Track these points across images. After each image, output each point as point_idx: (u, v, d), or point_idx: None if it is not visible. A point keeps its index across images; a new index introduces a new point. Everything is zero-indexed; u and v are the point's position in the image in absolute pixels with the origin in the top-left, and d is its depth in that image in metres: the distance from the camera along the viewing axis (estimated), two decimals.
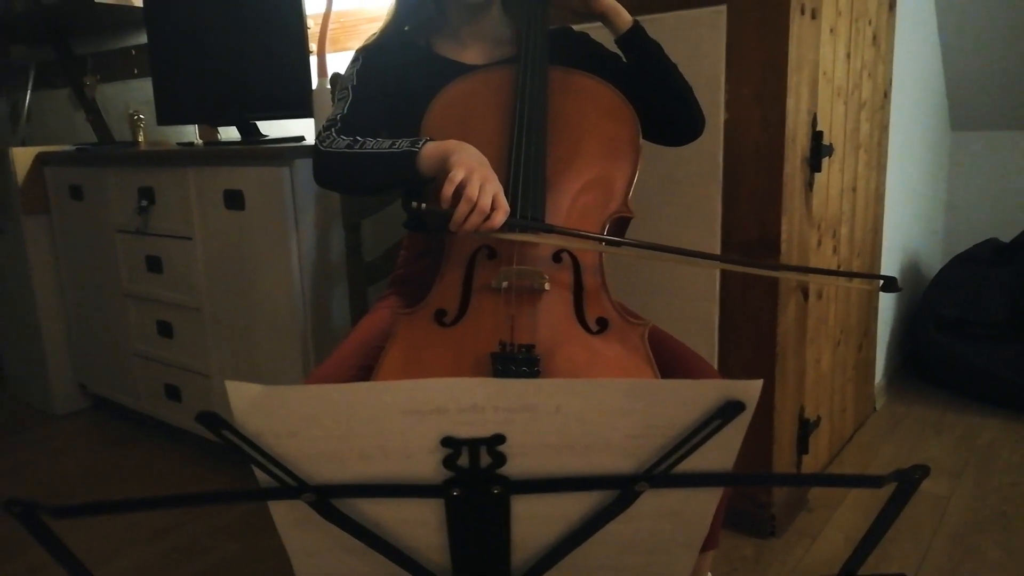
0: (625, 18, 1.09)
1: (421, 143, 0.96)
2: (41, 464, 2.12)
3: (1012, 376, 2.18)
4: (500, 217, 0.88)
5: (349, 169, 1.02)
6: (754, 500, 1.57)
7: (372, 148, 0.99)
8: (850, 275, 0.82)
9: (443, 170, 0.91)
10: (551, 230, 0.93)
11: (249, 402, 0.47)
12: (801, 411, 1.68)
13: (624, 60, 1.13)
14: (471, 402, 0.47)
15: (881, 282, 0.82)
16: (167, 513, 1.76)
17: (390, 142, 0.98)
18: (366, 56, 1.14)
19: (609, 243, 0.97)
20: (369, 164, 0.99)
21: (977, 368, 2.25)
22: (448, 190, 0.87)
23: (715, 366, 1.55)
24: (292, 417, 0.48)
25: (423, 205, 0.90)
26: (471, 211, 0.86)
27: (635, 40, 1.09)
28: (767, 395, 1.52)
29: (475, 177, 0.88)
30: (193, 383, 2.03)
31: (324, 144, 1.03)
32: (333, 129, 1.06)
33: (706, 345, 1.55)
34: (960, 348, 2.30)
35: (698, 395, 0.48)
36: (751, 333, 1.52)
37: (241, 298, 1.82)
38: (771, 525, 1.57)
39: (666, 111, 1.11)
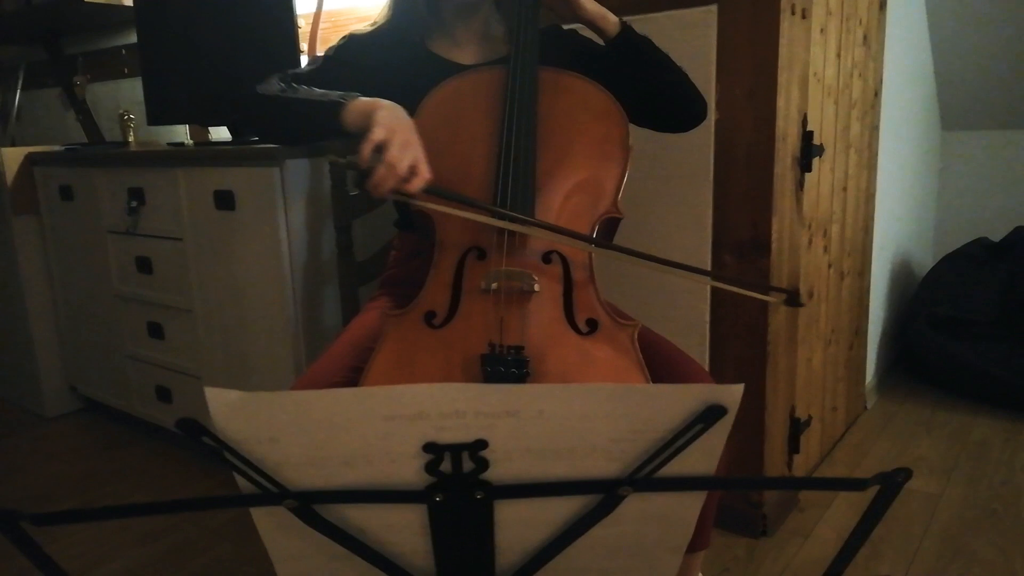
0: (612, 21, 1.08)
1: (351, 97, 0.96)
2: (32, 467, 2.11)
3: (1003, 374, 2.18)
4: (419, 183, 0.88)
5: (274, 111, 1.02)
6: (746, 499, 1.57)
7: (303, 95, 0.99)
8: (758, 285, 0.86)
9: (367, 127, 0.90)
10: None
11: (229, 408, 0.47)
12: (792, 410, 1.68)
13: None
14: (453, 407, 0.47)
15: (785, 297, 0.84)
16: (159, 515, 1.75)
17: (321, 92, 0.99)
18: (353, 39, 1.14)
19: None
20: (294, 109, 1.00)
21: (968, 366, 2.25)
22: (366, 149, 0.87)
23: (706, 366, 1.56)
24: (273, 423, 0.48)
25: (341, 160, 0.90)
26: (388, 174, 0.87)
27: (625, 42, 1.09)
28: (758, 394, 1.53)
29: (396, 139, 0.88)
30: (184, 384, 2.02)
31: (260, 87, 1.04)
32: (277, 76, 1.06)
33: (697, 344, 1.56)
34: (951, 346, 2.30)
35: (680, 399, 0.48)
36: (742, 332, 1.52)
37: (232, 299, 1.81)
38: (763, 524, 1.57)
39: (663, 102, 1.11)
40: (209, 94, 2.03)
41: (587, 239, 0.94)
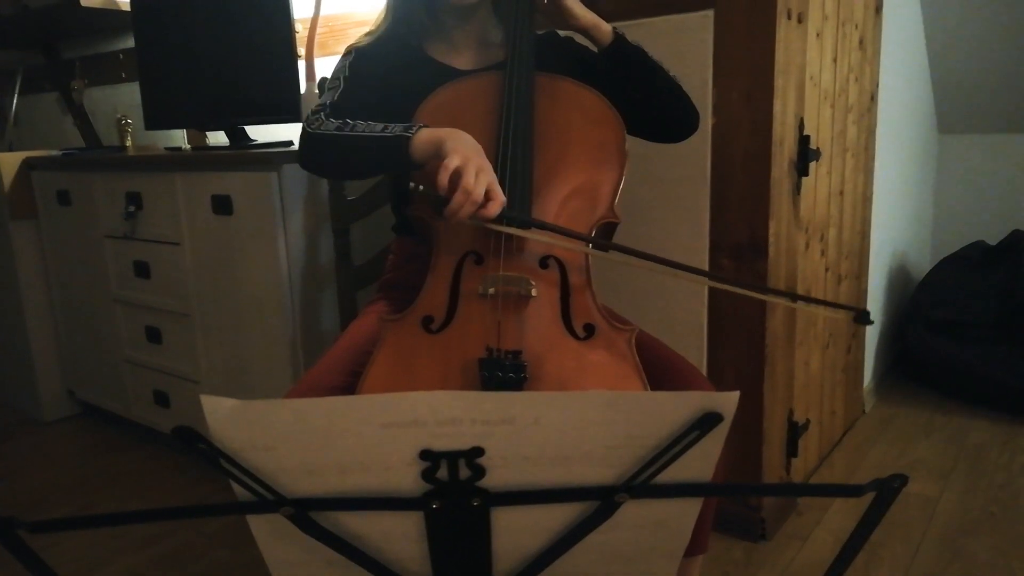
0: (605, 30, 1.09)
1: (415, 128, 0.95)
2: (29, 471, 2.11)
3: (1001, 377, 2.19)
4: (495, 208, 0.88)
5: (338, 152, 1.01)
6: (744, 503, 1.57)
7: (363, 131, 0.99)
8: (830, 304, 0.87)
9: (437, 156, 0.91)
10: (543, 226, 0.93)
11: (225, 416, 0.47)
12: (790, 414, 1.68)
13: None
14: (449, 415, 0.47)
15: (854, 314, 0.84)
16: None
17: (382, 126, 0.98)
18: (359, 52, 1.14)
19: (597, 246, 0.97)
20: (359, 147, 0.99)
21: (966, 369, 2.26)
22: (443, 178, 0.87)
23: (704, 369, 1.56)
24: (269, 431, 0.48)
25: (420, 187, 0.90)
26: (466, 200, 0.87)
27: (618, 50, 1.09)
28: (756, 398, 1.53)
29: (471, 166, 0.88)
30: (182, 389, 2.02)
31: (313, 126, 1.03)
32: (323, 113, 1.05)
33: (695, 348, 1.56)
34: (949, 349, 2.31)
35: (676, 407, 0.48)
36: (740, 336, 1.52)
37: (230, 303, 1.81)
38: (761, 528, 1.57)
39: (655, 111, 1.12)
40: (206, 99, 2.04)
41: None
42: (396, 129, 0.97)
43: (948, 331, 2.35)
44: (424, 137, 0.94)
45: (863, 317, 0.83)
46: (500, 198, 0.89)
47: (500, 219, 0.92)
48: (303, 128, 1.04)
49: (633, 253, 0.91)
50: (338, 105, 1.07)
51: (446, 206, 0.88)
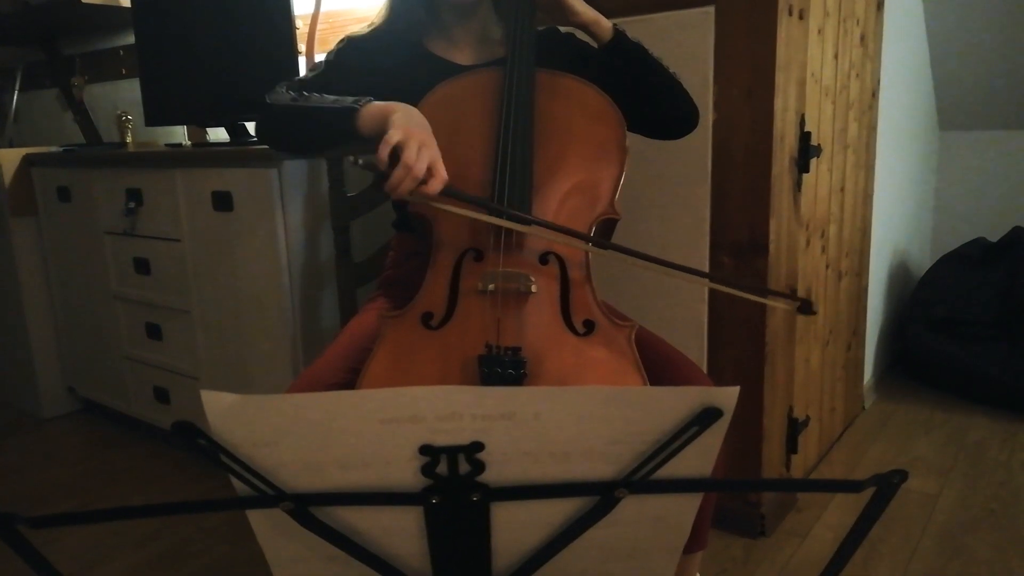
0: (606, 26, 1.08)
1: (364, 101, 0.96)
2: (30, 468, 2.11)
3: (1000, 374, 2.19)
4: (437, 185, 0.88)
5: (289, 122, 1.02)
6: (743, 500, 1.58)
7: (316, 103, 0.99)
8: (772, 292, 0.89)
9: (383, 130, 0.90)
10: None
11: (225, 411, 0.47)
12: (790, 411, 1.68)
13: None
14: (449, 410, 0.47)
15: (798, 304, 0.85)
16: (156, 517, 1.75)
17: (334, 98, 0.99)
18: (351, 42, 1.14)
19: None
20: (309, 117, 1.00)
21: (966, 367, 2.26)
22: (383, 151, 0.87)
23: (704, 366, 1.56)
24: (269, 426, 0.48)
25: (359, 161, 0.90)
26: (406, 175, 0.86)
27: (618, 48, 1.09)
28: (756, 395, 1.53)
29: (413, 141, 0.87)
30: (182, 385, 2.02)
31: (270, 97, 1.04)
32: (285, 86, 1.06)
33: (696, 345, 1.56)
34: (949, 347, 2.31)
35: (676, 402, 0.48)
36: (740, 333, 1.52)
37: (230, 300, 1.81)
38: (761, 525, 1.57)
39: (655, 108, 1.12)
40: (207, 95, 2.03)
41: (610, 246, 0.94)
42: (346, 101, 0.97)
43: (948, 329, 2.35)
44: (372, 110, 0.94)
45: (806, 307, 0.84)
46: (441, 175, 0.88)
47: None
48: (261, 99, 1.04)
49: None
50: (308, 84, 1.08)
51: (386, 180, 0.88)
